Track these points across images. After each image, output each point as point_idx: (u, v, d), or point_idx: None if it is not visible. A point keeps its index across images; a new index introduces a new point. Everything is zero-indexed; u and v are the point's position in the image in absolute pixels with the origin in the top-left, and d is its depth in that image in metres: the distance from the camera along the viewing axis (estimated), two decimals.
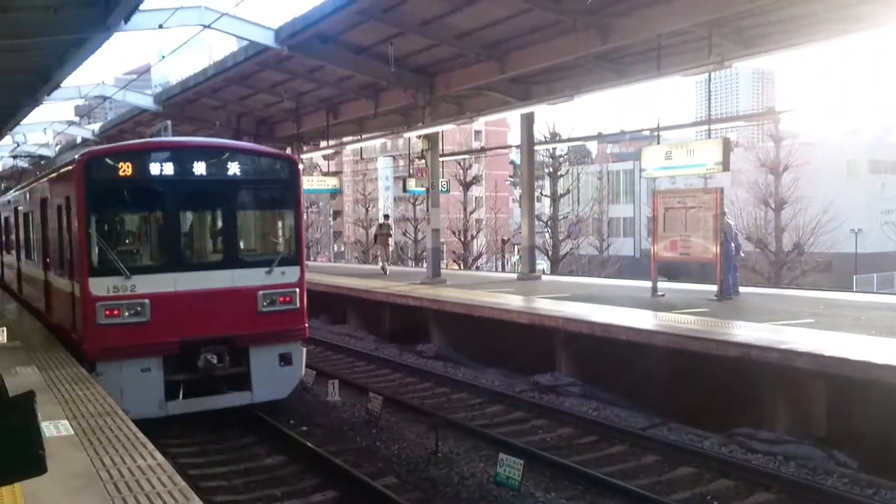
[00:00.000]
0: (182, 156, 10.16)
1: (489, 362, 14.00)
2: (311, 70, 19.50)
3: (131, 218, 10.73)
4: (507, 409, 11.25)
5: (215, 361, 9.83)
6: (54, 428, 5.63)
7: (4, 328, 3.59)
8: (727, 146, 13.34)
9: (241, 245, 10.82)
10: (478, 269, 39.31)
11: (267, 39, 16.73)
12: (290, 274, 10.53)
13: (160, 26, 14.01)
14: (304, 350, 11.01)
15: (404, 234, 44.84)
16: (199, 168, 10.12)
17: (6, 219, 17.55)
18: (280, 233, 11.32)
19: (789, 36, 12.29)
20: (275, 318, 10.32)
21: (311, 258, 49.74)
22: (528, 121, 19.71)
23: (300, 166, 11.20)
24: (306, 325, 10.85)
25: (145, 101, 25.46)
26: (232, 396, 10.12)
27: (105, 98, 23.63)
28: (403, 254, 46.80)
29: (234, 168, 10.35)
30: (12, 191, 18.93)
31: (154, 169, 9.89)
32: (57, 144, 38.05)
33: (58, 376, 7.75)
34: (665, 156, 14.32)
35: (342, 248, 72.53)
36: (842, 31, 11.17)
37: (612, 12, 13.58)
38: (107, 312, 9.32)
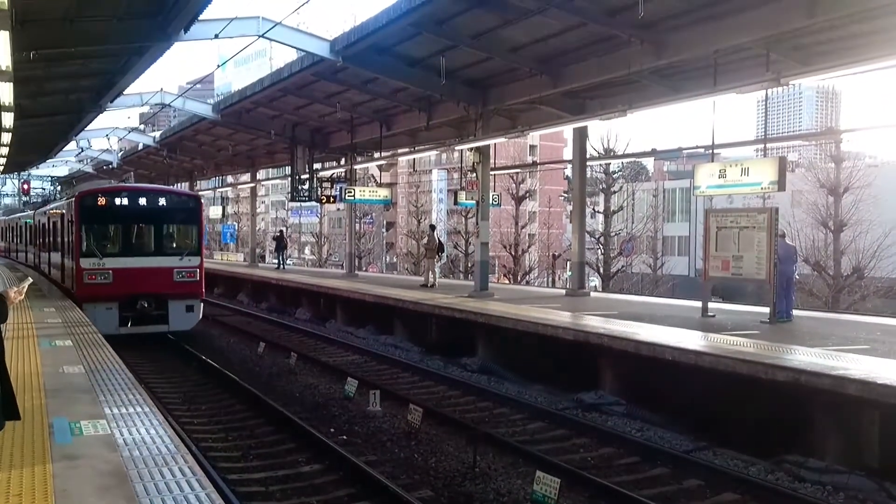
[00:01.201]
0: (132, 194, 18.25)
1: (533, 378, 13.85)
2: (366, 81, 19.67)
3: (104, 227, 17.97)
4: (549, 425, 11.10)
5: (147, 306, 17.20)
6: (92, 427, 5.73)
7: (30, 278, 4.26)
8: (783, 165, 13.01)
9: (165, 243, 18.22)
10: (528, 283, 39.08)
11: (322, 50, 16.96)
12: (193, 261, 17.93)
13: (216, 36, 14.30)
14: (202, 304, 18.36)
15: (455, 247, 44.84)
16: (142, 201, 17.96)
17: (42, 224, 24.77)
18: (188, 238, 18.56)
19: (850, 54, 11.96)
20: (183, 285, 17.67)
21: (363, 269, 50.09)
22: (580, 136, 19.58)
23: (202, 201, 20.12)
24: (203, 290, 18.35)
25: (204, 109, 26.00)
26: (157, 327, 17.45)
27: (164, 105, 24.19)
28: (455, 266, 46.78)
29: (161, 202, 18.30)
30: (45, 207, 26.38)
31: (117, 201, 17.70)
32: (120, 151, 39.03)
33: (93, 359, 7.90)
34: (719, 174, 14.04)
35: (395, 260, 72.87)
36: None
37: (666, 27, 13.41)
38: (89, 277, 16.77)
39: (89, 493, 4.36)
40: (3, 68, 10.85)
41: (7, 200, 70.22)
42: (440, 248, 22.54)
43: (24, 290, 4.41)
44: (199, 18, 14.49)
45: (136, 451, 5.21)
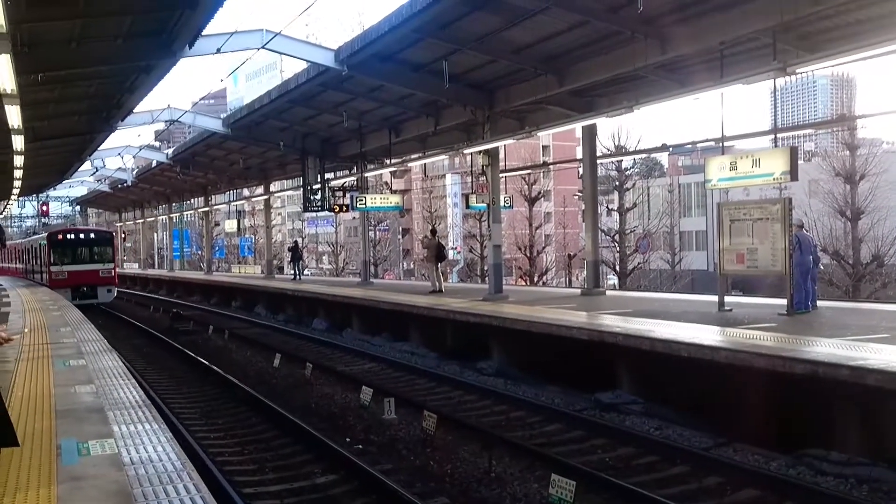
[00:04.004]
0: (76, 232, 33.97)
1: (550, 379, 13.75)
2: (372, 89, 19.69)
3: (63, 250, 31.68)
4: (566, 427, 11.00)
5: (85, 290, 31.04)
6: (100, 447, 5.71)
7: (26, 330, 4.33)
8: (794, 155, 12.86)
9: (94, 256, 32.09)
10: (544, 284, 38.91)
11: (327, 60, 17.02)
12: (110, 266, 32.23)
13: (218, 50, 14.34)
14: (116, 288, 33.03)
15: (471, 251, 44.74)
16: (81, 236, 33.25)
17: (28, 248, 40.25)
18: (108, 254, 32.50)
19: (856, 40, 11.74)
20: (105, 278, 31.81)
21: (380, 276, 50.12)
22: (589, 134, 19.46)
23: (114, 234, 38.10)
24: (116, 281, 33.09)
25: (214, 124, 26.17)
26: (91, 300, 30.49)
27: (172, 121, 24.32)
28: (472, 270, 46.72)
29: (92, 235, 33.94)
30: (32, 237, 44.69)
31: (69, 236, 32.78)
32: (133, 169, 39.37)
33: (106, 377, 7.90)
34: (730, 166, 13.90)
35: (412, 266, 72.77)
36: None
37: (670, 21, 13.31)
38: (55, 275, 31.08)
39: None
40: (9, 91, 10.95)
41: (29, 223, 71.21)
42: (440, 253, 22.33)
43: (13, 338, 4.83)
44: (203, 34, 14.58)
45: (142, 469, 5.18)
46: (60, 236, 32.59)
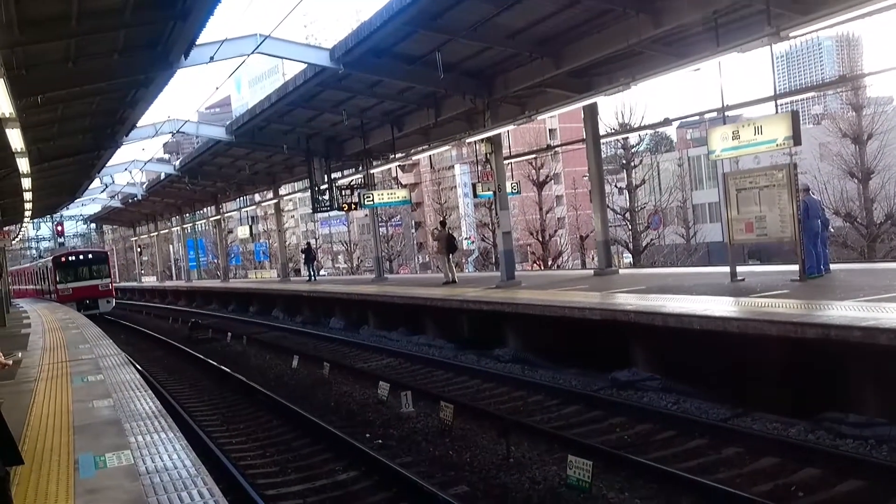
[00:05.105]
0: (77, 254, 39.31)
1: (566, 362, 13.78)
2: (371, 85, 19.70)
3: (66, 270, 36.83)
4: (584, 408, 11.03)
5: (88, 302, 35.61)
6: (116, 459, 5.80)
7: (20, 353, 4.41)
8: (796, 120, 12.76)
9: (93, 273, 37.09)
10: (559, 268, 38.87)
11: (322, 60, 17.05)
12: (107, 281, 37.92)
13: (211, 59, 14.39)
14: (114, 299, 39.11)
15: (483, 240, 44.73)
16: (81, 257, 38.24)
17: (37, 271, 45.88)
18: (104, 271, 37.94)
19: None
20: (104, 291, 37.17)
21: (395, 271, 50.23)
22: (591, 113, 19.39)
23: (109, 253, 49.10)
24: (113, 293, 39.28)
25: (218, 132, 26.29)
26: (93, 311, 34.16)
27: (174, 133, 24.42)
28: (486, 259, 46.75)
29: (90, 256, 38.70)
30: (40, 260, 51.30)
31: (71, 258, 37.99)
32: (143, 183, 39.80)
33: (123, 390, 8.01)
34: (732, 136, 13.81)
35: (427, 259, 72.79)
36: None
37: None
38: (62, 292, 36.35)
39: None
40: (8, 115, 11.03)
41: (45, 244, 71.95)
42: (451, 244, 22.36)
43: (9, 362, 5.45)
44: (198, 43, 14.65)
45: (157, 477, 5.26)
46: (63, 258, 37.88)
